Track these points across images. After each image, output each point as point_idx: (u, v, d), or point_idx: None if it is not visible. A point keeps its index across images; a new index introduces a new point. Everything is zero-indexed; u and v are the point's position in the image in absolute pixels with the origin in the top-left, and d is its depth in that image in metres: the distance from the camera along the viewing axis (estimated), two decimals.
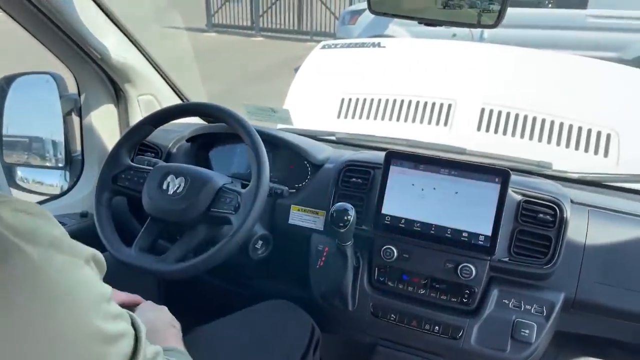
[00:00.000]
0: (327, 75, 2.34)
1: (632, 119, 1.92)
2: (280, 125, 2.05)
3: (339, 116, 2.20)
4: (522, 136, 1.97)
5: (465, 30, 7.65)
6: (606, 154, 1.87)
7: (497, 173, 1.24)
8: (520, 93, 2.06)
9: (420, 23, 1.06)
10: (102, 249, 1.31)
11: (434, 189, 1.29)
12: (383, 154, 1.36)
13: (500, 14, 0.96)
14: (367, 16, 8.19)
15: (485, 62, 2.20)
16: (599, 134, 1.90)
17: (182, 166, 1.35)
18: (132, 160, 1.45)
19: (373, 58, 2.33)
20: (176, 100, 1.87)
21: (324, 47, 2.45)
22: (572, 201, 1.29)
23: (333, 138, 1.90)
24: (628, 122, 1.90)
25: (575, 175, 1.67)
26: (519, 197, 1.28)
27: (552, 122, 1.95)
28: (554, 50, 2.73)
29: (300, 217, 1.47)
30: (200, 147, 1.70)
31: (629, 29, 6.11)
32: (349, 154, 1.52)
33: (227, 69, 8.51)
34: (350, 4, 10.93)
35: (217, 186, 1.28)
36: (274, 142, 1.58)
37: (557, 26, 6.45)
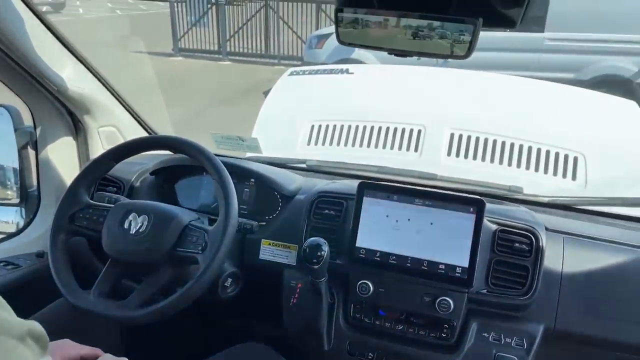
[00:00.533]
0: (296, 102, 2.31)
1: (597, 142, 1.95)
2: (248, 154, 2.00)
3: (309, 143, 2.16)
4: (492, 160, 1.97)
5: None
6: (574, 176, 1.89)
7: (472, 203, 1.22)
8: (488, 117, 2.08)
9: (390, 54, 1.04)
10: (59, 293, 1.22)
11: (409, 220, 1.25)
12: (356, 184, 1.33)
13: (471, 45, 0.94)
14: (335, 40, 8.27)
15: (453, 87, 2.22)
16: (566, 157, 1.91)
17: (145, 203, 1.28)
18: (91, 197, 1.37)
19: (342, 84, 2.32)
20: (140, 132, 1.80)
21: (292, 73, 2.42)
22: (546, 228, 1.28)
23: (304, 166, 1.87)
24: (594, 145, 1.93)
25: (546, 199, 1.68)
26: (494, 227, 1.26)
27: (521, 146, 1.96)
28: (519, 74, 2.78)
29: (271, 252, 1.42)
30: (166, 179, 1.63)
31: (584, 51, 6.34)
32: (320, 185, 1.48)
33: (195, 94, 8.43)
34: (317, 28, 11.05)
35: (183, 224, 1.22)
36: (242, 174, 1.53)
37: (517, 49, 6.65)
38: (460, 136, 2.02)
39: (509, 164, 1.95)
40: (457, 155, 2.00)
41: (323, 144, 2.14)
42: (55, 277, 1.23)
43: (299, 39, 11.30)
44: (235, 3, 12.65)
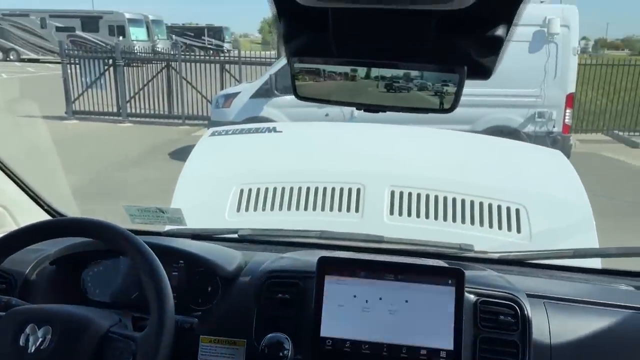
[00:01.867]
0: (220, 165, 2.10)
1: (535, 193, 1.94)
2: (168, 226, 1.74)
3: (238, 209, 1.94)
4: (435, 217, 1.88)
5: (336, 109, 8.00)
6: (519, 229, 1.84)
7: (450, 274, 1.08)
8: (427, 172, 2.00)
9: (359, 109, 0.89)
10: None
11: (380, 299, 1.08)
12: (313, 260, 1.13)
13: (457, 97, 0.82)
14: (242, 99, 8.24)
15: (388, 143, 2.14)
16: (508, 209, 1.87)
17: (46, 308, 0.98)
18: None
19: (270, 143, 2.15)
20: (36, 211, 1.47)
21: (213, 134, 2.21)
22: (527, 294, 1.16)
23: (235, 236, 1.66)
24: (532, 196, 1.91)
25: (497, 256, 1.62)
26: (473, 298, 1.11)
27: (463, 201, 1.89)
28: (420, 127, 2.77)
29: (212, 350, 1.16)
30: (71, 268, 1.32)
31: (478, 105, 6.79)
32: (267, 262, 1.26)
33: (94, 157, 7.85)
34: (222, 87, 10.97)
35: (100, 332, 0.94)
36: (167, 254, 1.27)
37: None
38: (401, 193, 1.92)
39: (454, 220, 1.87)
40: (400, 214, 1.89)
41: (255, 209, 1.94)
42: None
43: (204, 99, 11.13)
44: (134, 64, 12.27)
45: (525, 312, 1.08)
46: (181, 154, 8.12)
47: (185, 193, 2.00)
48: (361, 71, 0.85)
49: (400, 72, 0.83)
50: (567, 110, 7.36)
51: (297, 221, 1.86)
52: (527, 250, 1.69)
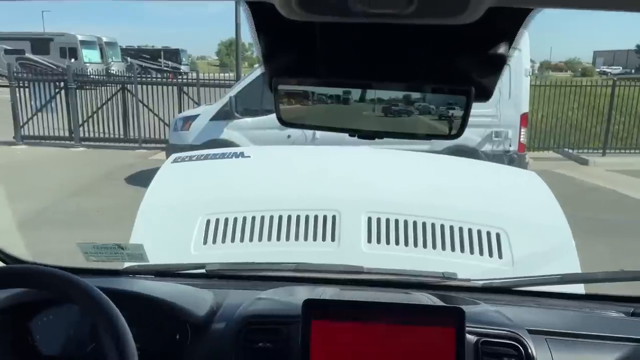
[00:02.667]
0: (185, 193, 1.95)
1: (514, 217, 1.89)
2: (127, 263, 1.59)
3: (205, 242, 1.80)
4: (415, 244, 1.80)
5: (298, 130, 7.92)
6: (500, 255, 1.79)
7: (449, 314, 0.98)
8: (404, 197, 1.93)
9: (352, 136, 0.79)
10: None
11: (374, 344, 0.97)
12: (295, 301, 1.02)
13: (464, 121, 0.73)
14: (201, 121, 8.07)
15: (363, 166, 2.05)
16: (488, 234, 1.82)
17: None
18: None
19: (238, 169, 2.02)
20: None
21: (175, 160, 2.07)
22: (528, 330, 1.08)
23: (203, 271, 1.53)
24: (512, 220, 1.86)
25: (480, 283, 1.57)
26: (473, 338, 1.02)
27: (442, 226, 1.82)
28: (377, 147, 2.69)
29: None
30: (17, 318, 1.15)
31: None
32: (244, 305, 1.13)
33: (44, 185, 7.43)
34: (180, 110, 10.74)
35: None
36: (128, 301, 1.13)
37: None
38: (379, 220, 1.83)
39: (434, 247, 1.80)
40: (379, 241, 1.80)
41: (223, 241, 1.80)
42: None
43: (161, 122, 10.86)
44: (87, 87, 11.88)
45: (530, 351, 1.00)
46: (138, 179, 7.82)
47: (146, 225, 1.84)
48: (355, 93, 0.76)
49: (399, 94, 0.75)
50: (522, 129, 7.58)
51: (269, 253, 1.74)
52: (511, 277, 1.63)
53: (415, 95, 0.74)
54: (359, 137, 0.79)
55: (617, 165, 10.07)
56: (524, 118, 7.54)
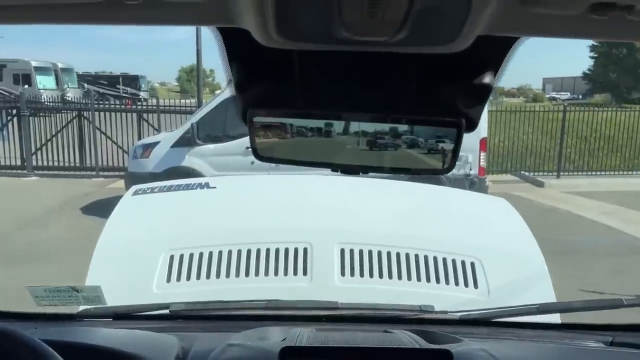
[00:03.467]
0: (146, 228, 1.84)
1: (487, 245, 1.87)
2: (83, 307, 1.47)
3: (169, 279, 1.69)
4: (390, 276, 1.75)
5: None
6: (476, 284, 1.75)
7: (437, 356, 0.92)
8: (375, 226, 1.88)
9: (335, 170, 0.73)
10: None
11: None
12: (271, 347, 0.94)
13: (455, 154, 0.69)
14: (162, 148, 7.90)
15: (331, 195, 2.00)
16: (463, 263, 1.78)
17: None
18: None
19: (203, 201, 1.93)
20: None
21: (136, 192, 1.96)
22: None
23: (167, 312, 1.43)
24: (485, 248, 1.84)
25: (458, 316, 1.53)
26: None
27: (417, 256, 1.78)
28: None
29: None
30: None
31: None
32: (214, 354, 1.04)
33: None
34: (140, 137, 10.49)
35: None
36: (81, 355, 1.02)
37: None
38: (352, 251, 1.77)
39: (409, 278, 1.75)
40: (352, 274, 1.74)
41: (188, 278, 1.70)
42: None
43: (120, 149, 10.58)
44: (41, 114, 11.49)
45: None
46: (95, 209, 7.53)
47: (104, 263, 1.72)
48: (338, 125, 0.70)
49: (385, 127, 0.70)
50: (482, 154, 7.75)
51: (239, 289, 1.65)
52: (488, 307, 1.59)
53: (403, 127, 0.69)
54: (342, 172, 0.73)
55: (570, 187, 10.45)
56: (483, 143, 7.72)
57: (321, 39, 0.56)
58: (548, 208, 8.76)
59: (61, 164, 10.66)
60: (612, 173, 11.67)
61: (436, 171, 0.69)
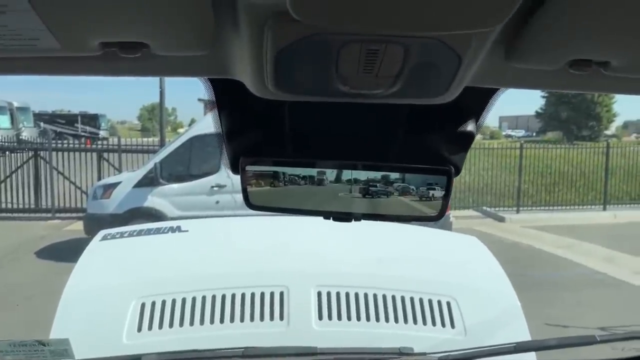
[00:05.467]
0: (116, 274, 1.77)
1: (461, 283, 1.89)
2: None
3: (140, 328, 1.62)
4: (368, 319, 1.73)
5: (226, 195, 7.73)
6: (452, 324, 1.76)
7: None
8: (351, 268, 1.88)
9: (327, 218, 0.73)
10: None
11: None
12: None
13: (445, 201, 0.70)
14: (124, 188, 7.73)
15: (306, 237, 1.98)
16: (439, 303, 1.79)
17: None
18: None
19: (175, 245, 1.88)
20: None
21: (104, 237, 1.89)
22: None
23: None
24: (459, 287, 1.86)
25: (437, 357, 1.52)
26: None
27: (394, 297, 1.78)
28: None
29: None
30: None
31: None
32: None
33: None
34: (100, 177, 10.24)
35: None
36: None
37: None
38: (329, 294, 1.75)
39: (386, 320, 1.74)
40: (330, 317, 1.71)
41: (160, 327, 1.63)
42: None
43: (78, 190, 10.27)
44: None
45: None
46: (51, 253, 7.23)
47: (71, 313, 1.64)
48: (330, 174, 0.71)
49: (377, 175, 0.71)
50: None
51: (214, 337, 1.60)
52: (465, 347, 1.60)
53: (394, 175, 0.70)
54: (334, 219, 0.73)
55: (530, 222, 10.77)
56: None
57: (317, 92, 0.58)
58: (511, 243, 8.98)
59: (15, 205, 10.24)
60: (568, 207, 12.13)
61: (429, 218, 0.71)
